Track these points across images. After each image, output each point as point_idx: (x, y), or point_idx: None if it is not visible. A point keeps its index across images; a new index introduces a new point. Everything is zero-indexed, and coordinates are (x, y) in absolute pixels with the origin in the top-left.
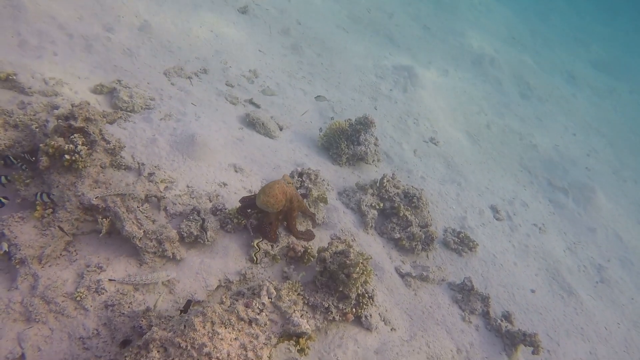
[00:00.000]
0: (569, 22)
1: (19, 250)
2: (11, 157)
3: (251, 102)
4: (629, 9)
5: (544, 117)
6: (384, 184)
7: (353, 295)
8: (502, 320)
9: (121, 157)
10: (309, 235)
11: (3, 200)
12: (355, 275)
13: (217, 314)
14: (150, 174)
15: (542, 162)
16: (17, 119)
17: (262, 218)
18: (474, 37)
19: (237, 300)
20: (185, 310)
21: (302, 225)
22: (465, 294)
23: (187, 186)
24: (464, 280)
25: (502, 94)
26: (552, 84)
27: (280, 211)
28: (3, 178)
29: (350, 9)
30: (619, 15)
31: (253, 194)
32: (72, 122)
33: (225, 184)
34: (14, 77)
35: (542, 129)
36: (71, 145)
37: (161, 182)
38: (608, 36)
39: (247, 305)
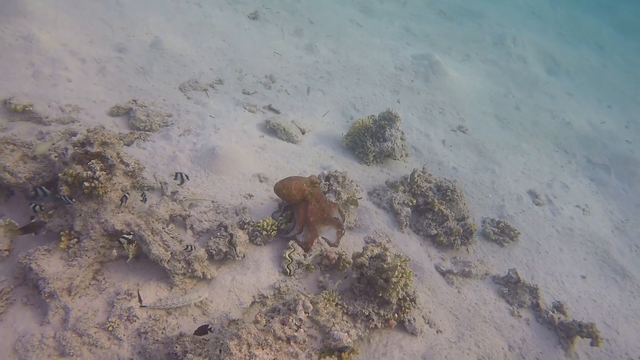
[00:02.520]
0: None
1: (48, 283)
2: (44, 189)
3: (270, 108)
4: None
5: (575, 92)
6: (415, 179)
7: (394, 300)
8: (553, 312)
9: (142, 178)
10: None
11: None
12: (394, 280)
13: (252, 334)
14: (174, 193)
15: (578, 139)
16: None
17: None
18: (493, 17)
19: (272, 318)
20: (199, 333)
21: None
22: (511, 287)
23: (212, 201)
24: (508, 273)
25: (528, 72)
26: (580, 55)
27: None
28: (37, 207)
29: (361, 1)
30: None
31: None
32: (89, 148)
33: (251, 196)
34: (31, 108)
35: (574, 105)
36: (89, 172)
37: (184, 200)
38: None
39: (283, 323)
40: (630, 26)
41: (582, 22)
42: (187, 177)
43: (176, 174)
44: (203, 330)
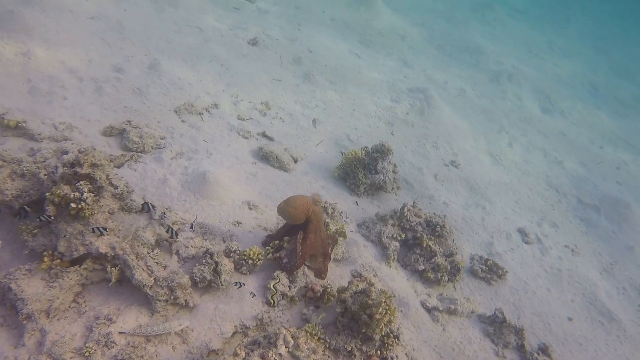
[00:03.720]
0: (586, 31)
1: (26, 304)
2: (25, 208)
3: (264, 135)
4: None
5: (568, 132)
6: (405, 214)
7: (377, 337)
8: (539, 354)
9: (131, 200)
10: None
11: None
12: (378, 316)
13: None
14: (162, 217)
15: (570, 178)
16: (25, 168)
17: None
18: (490, 54)
19: (252, 351)
20: None
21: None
22: (497, 327)
23: (200, 227)
24: (494, 312)
25: (522, 110)
26: (574, 96)
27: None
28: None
29: (362, 33)
30: (637, 20)
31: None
32: (78, 169)
33: (239, 223)
34: (24, 125)
35: (566, 144)
36: (77, 193)
37: (173, 224)
38: (629, 42)
39: (262, 357)
40: (623, 69)
41: (578, 63)
42: (153, 207)
43: (142, 205)
44: None
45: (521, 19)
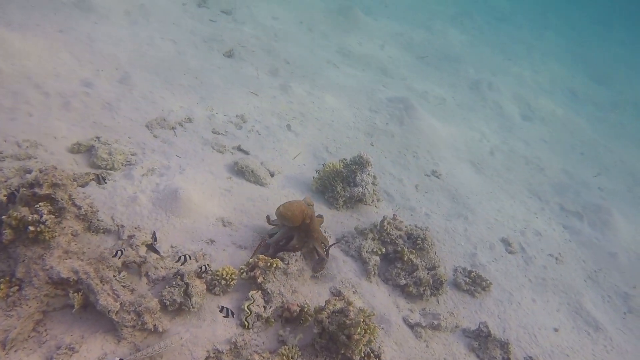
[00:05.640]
0: (564, 38)
1: None
2: None
3: (239, 149)
4: (623, 19)
5: (549, 139)
6: (385, 227)
7: (357, 357)
8: None
9: (98, 220)
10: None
11: None
12: (357, 337)
13: None
14: (130, 237)
15: (552, 185)
16: None
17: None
18: (470, 62)
19: None
20: None
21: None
22: (482, 341)
23: (171, 246)
24: (479, 326)
25: (503, 118)
26: (554, 102)
27: (300, 228)
28: None
29: (340, 43)
30: (614, 27)
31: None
32: (37, 190)
33: (213, 241)
34: None
35: (547, 151)
36: (36, 215)
37: (142, 244)
38: (605, 47)
39: None
40: (601, 74)
41: (557, 70)
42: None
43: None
44: None
45: (500, 27)
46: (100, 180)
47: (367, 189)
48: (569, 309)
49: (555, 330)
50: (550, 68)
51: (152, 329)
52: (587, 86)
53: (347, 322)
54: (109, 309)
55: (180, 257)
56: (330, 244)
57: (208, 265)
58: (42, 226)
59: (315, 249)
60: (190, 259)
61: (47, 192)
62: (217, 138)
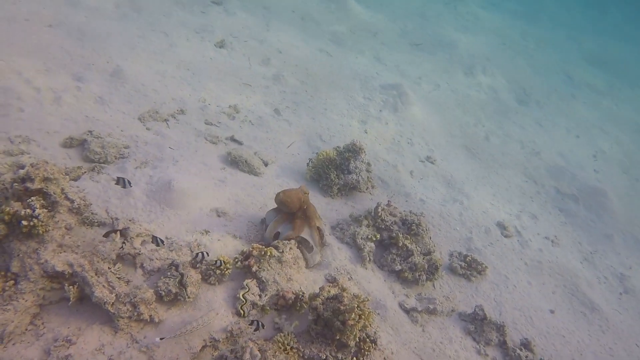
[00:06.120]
0: (559, 21)
1: None
2: None
3: (233, 139)
4: (618, 2)
5: (544, 122)
6: (379, 213)
7: (352, 343)
8: (521, 349)
9: (92, 213)
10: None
11: None
12: (351, 322)
13: None
14: (125, 229)
15: (548, 169)
16: None
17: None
18: (463, 47)
19: None
20: None
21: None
22: (478, 324)
23: (166, 237)
24: (475, 309)
25: (498, 102)
26: (549, 86)
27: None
28: None
29: (333, 31)
30: (608, 9)
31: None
32: (29, 184)
33: (207, 232)
34: None
35: (543, 135)
36: (28, 210)
37: (137, 236)
38: (600, 31)
39: None
40: (597, 57)
41: (552, 53)
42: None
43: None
44: None
45: (494, 11)
46: (125, 184)
47: (361, 176)
48: (565, 291)
49: (551, 312)
50: (546, 51)
51: (148, 320)
52: (582, 69)
53: (342, 308)
54: (105, 300)
55: (197, 255)
56: (325, 230)
57: (207, 253)
58: (36, 220)
59: (318, 228)
60: (208, 255)
61: (39, 186)
62: (210, 129)
